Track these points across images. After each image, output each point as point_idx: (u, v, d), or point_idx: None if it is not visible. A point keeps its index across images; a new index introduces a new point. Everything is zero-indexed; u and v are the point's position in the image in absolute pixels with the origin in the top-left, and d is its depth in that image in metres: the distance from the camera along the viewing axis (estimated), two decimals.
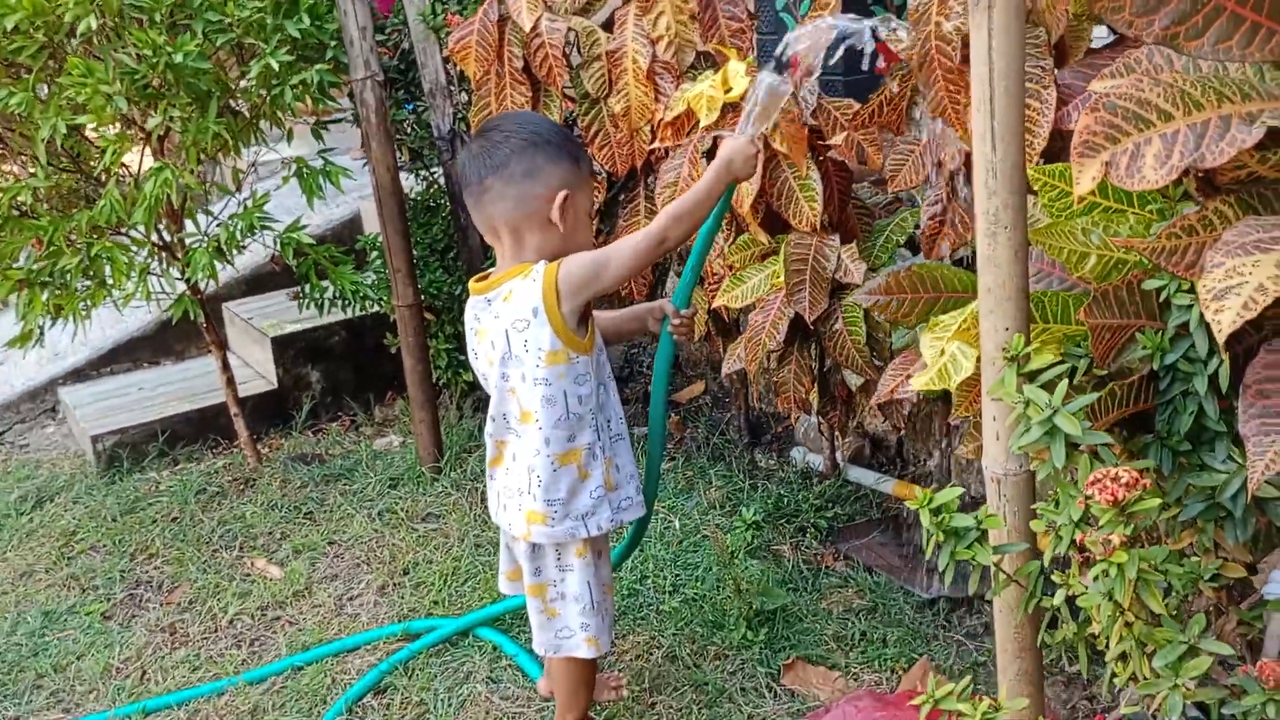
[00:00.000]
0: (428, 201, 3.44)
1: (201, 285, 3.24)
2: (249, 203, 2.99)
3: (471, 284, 2.01)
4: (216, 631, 2.75)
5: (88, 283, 3.03)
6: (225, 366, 3.43)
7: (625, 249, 1.93)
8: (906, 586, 2.54)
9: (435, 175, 3.48)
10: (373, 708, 2.37)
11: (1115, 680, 1.39)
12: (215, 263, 3.02)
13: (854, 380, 2.47)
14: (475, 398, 3.76)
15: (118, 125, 2.67)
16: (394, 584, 2.84)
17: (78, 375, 4.36)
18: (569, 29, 2.85)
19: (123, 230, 3.01)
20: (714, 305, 2.60)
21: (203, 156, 2.90)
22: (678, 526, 2.91)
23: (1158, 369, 1.40)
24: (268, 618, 2.78)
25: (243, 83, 2.87)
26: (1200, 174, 1.40)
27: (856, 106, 2.44)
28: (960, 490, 1.42)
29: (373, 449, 3.61)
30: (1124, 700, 2.07)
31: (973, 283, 1.81)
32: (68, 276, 2.87)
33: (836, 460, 3.19)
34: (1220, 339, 1.21)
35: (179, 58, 2.57)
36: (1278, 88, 1.30)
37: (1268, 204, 1.34)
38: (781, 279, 2.42)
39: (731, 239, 2.60)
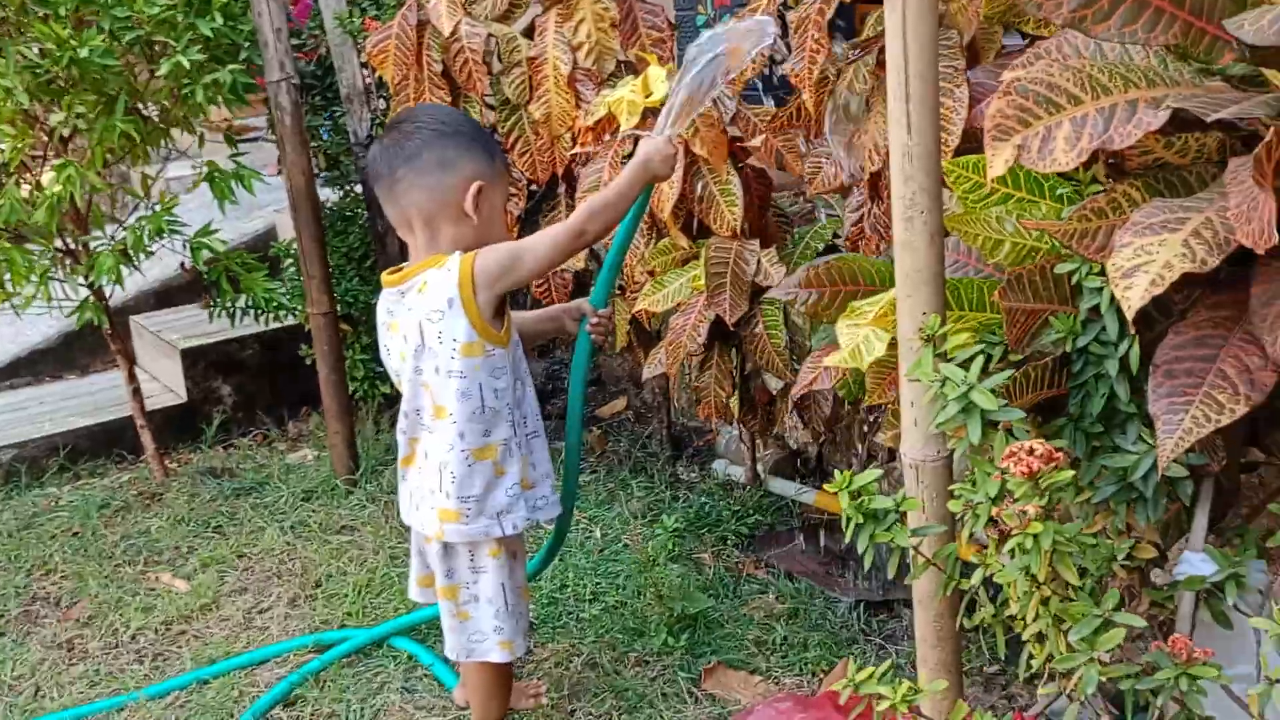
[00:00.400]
0: (344, 211, 3.39)
1: (107, 291, 3.14)
2: (157, 207, 2.91)
3: (384, 277, 1.97)
4: (117, 647, 2.64)
5: None
6: (131, 377, 3.33)
7: (543, 240, 1.92)
8: (827, 592, 2.54)
9: (352, 184, 3.42)
10: (281, 718, 2.29)
11: (1033, 662, 1.40)
12: (122, 268, 2.93)
13: (774, 384, 2.47)
14: (392, 413, 3.70)
15: (18, 122, 2.58)
16: (306, 596, 2.76)
17: None
18: (489, 35, 2.84)
19: (23, 234, 2.90)
20: (635, 310, 2.59)
21: (109, 159, 2.81)
22: (598, 535, 2.88)
23: (1070, 351, 1.42)
24: (172, 632, 2.68)
25: (153, 83, 2.80)
26: (1109, 160, 1.43)
27: (774, 112, 2.46)
28: (879, 472, 1.42)
29: (286, 463, 3.52)
30: (1041, 701, 2.09)
31: (891, 273, 1.83)
32: None
33: (758, 471, 3.19)
34: (1129, 314, 1.23)
35: (84, 53, 2.50)
36: (1180, 75, 1.34)
37: (1174, 189, 1.37)
38: (702, 282, 2.42)
39: (652, 243, 2.60)
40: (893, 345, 1.74)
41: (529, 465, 1.99)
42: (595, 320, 2.09)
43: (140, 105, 2.94)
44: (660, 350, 2.59)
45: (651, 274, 2.55)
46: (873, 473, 1.41)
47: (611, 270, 2.08)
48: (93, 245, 3.01)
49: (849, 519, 1.43)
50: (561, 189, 2.95)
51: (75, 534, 3.19)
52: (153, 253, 3.08)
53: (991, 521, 1.31)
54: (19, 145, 2.58)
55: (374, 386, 3.48)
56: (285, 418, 3.91)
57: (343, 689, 2.35)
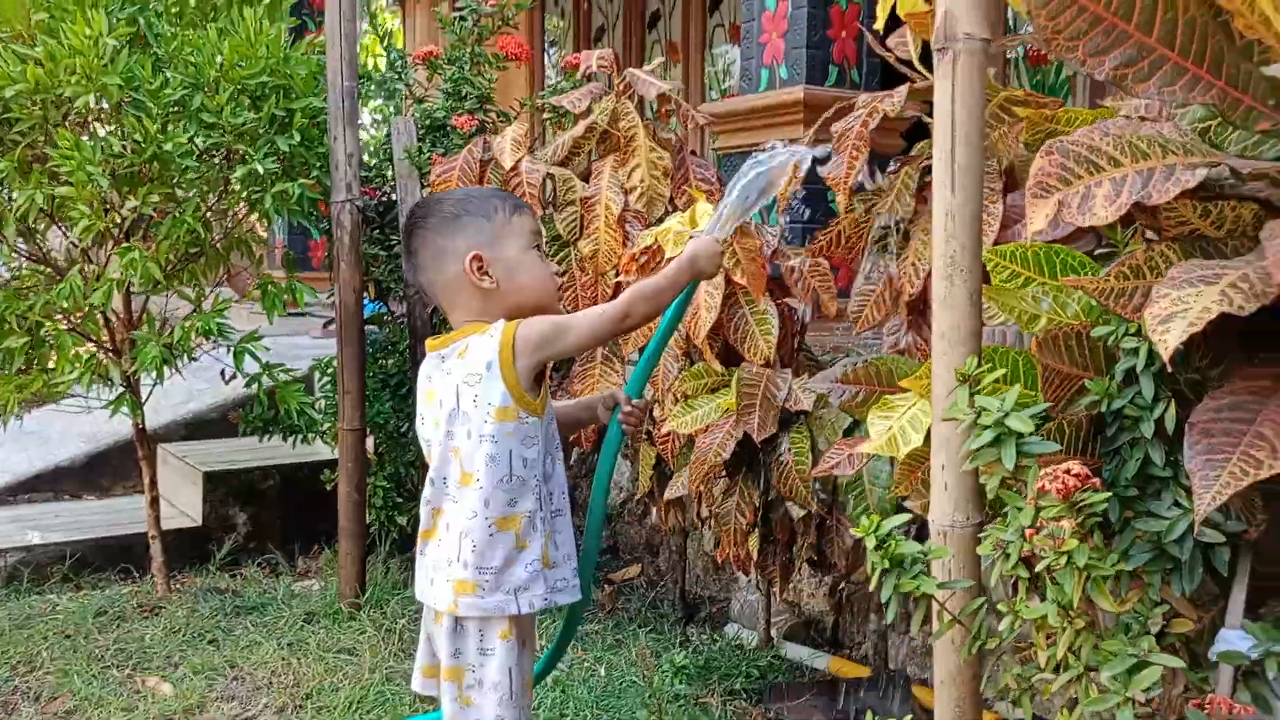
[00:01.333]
0: (389, 340, 3.47)
1: (144, 394, 3.18)
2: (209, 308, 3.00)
3: (428, 342, 2.01)
4: None
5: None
6: (152, 485, 3.32)
7: (587, 319, 1.94)
8: None
9: (399, 316, 3.52)
10: None
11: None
12: (164, 367, 2.98)
13: (797, 512, 2.44)
14: (404, 557, 3.65)
15: (96, 204, 2.71)
16: (295, 707, 2.65)
17: None
18: (547, 175, 2.99)
19: (75, 322, 2.99)
20: (664, 432, 2.60)
21: (171, 258, 2.92)
22: (602, 673, 2.78)
23: (1105, 414, 1.42)
24: None
25: (227, 188, 2.95)
26: (1147, 229, 1.48)
27: (803, 254, 2.56)
28: (908, 516, 1.39)
29: (291, 590, 3.46)
30: None
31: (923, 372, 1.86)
32: (11, 356, 2.82)
33: (771, 635, 3.10)
34: (1166, 353, 1.24)
35: (169, 147, 2.65)
36: (1212, 147, 1.40)
37: (1207, 254, 1.40)
38: (731, 403, 2.44)
39: (685, 367, 2.63)
40: (928, 438, 1.75)
41: (552, 543, 1.94)
42: (629, 409, 2.08)
43: (208, 218, 3.08)
44: (684, 473, 2.58)
45: (684, 396, 2.58)
46: (902, 516, 1.38)
47: (649, 361, 2.10)
48: (137, 340, 3.08)
49: (874, 566, 1.39)
50: None
51: (67, 636, 3.11)
52: (196, 358, 3.14)
53: (1022, 562, 1.28)
54: (93, 225, 2.69)
55: (391, 518, 3.45)
56: (296, 552, 3.86)
57: None
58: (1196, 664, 1.42)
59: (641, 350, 2.86)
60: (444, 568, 1.93)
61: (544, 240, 2.06)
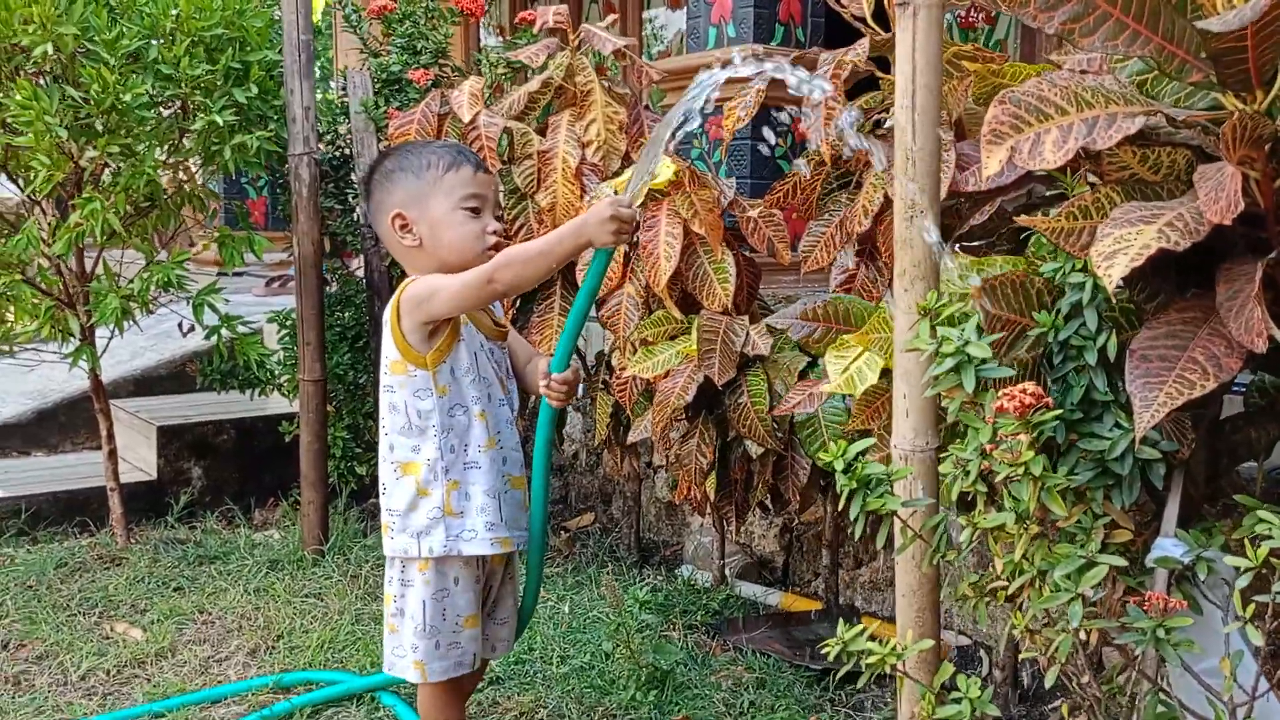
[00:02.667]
0: (344, 293, 3.51)
1: (99, 345, 3.19)
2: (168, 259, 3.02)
3: None
4: (66, 685, 2.58)
5: None
6: (110, 438, 3.34)
7: (454, 284, 1.91)
8: (795, 663, 2.55)
9: (354, 269, 3.56)
10: None
11: (1014, 631, 1.46)
12: (122, 320, 3.00)
13: (755, 450, 2.55)
14: (362, 507, 3.71)
15: (55, 155, 2.70)
16: (267, 648, 2.71)
17: None
18: (505, 128, 3.04)
19: (30, 275, 2.98)
20: (626, 375, 2.69)
21: (129, 210, 2.93)
22: (566, 611, 2.88)
23: (1051, 344, 1.54)
24: (124, 675, 2.62)
25: (183, 141, 2.96)
26: (1089, 174, 1.60)
27: (761, 206, 2.65)
28: (873, 440, 1.50)
29: (252, 540, 3.50)
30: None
31: (872, 313, 1.97)
32: None
33: (725, 574, 3.22)
34: (1110, 287, 1.37)
35: (128, 98, 2.66)
36: (1150, 98, 1.52)
37: (1146, 197, 1.53)
38: (691, 349, 2.54)
39: (644, 316, 2.72)
40: (883, 375, 1.86)
41: (459, 493, 1.96)
42: (547, 384, 2.01)
43: (164, 168, 3.09)
44: (645, 417, 2.68)
45: (645, 343, 2.67)
46: (867, 440, 1.49)
47: (569, 337, 2.02)
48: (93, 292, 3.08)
49: (843, 488, 1.50)
50: (558, 277, 3.10)
51: (29, 587, 3.13)
52: (153, 310, 3.15)
53: (980, 478, 1.40)
54: (53, 174, 2.69)
55: (351, 470, 3.50)
56: (252, 505, 3.89)
57: None
58: (1133, 572, 1.56)
59: (599, 305, 2.94)
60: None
61: (491, 197, 2.03)
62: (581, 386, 3.05)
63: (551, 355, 2.12)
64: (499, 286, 1.90)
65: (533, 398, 2.67)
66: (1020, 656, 1.43)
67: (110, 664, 2.64)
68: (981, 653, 2.56)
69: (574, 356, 2.16)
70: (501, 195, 3.13)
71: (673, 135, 1.87)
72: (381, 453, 2.00)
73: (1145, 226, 1.41)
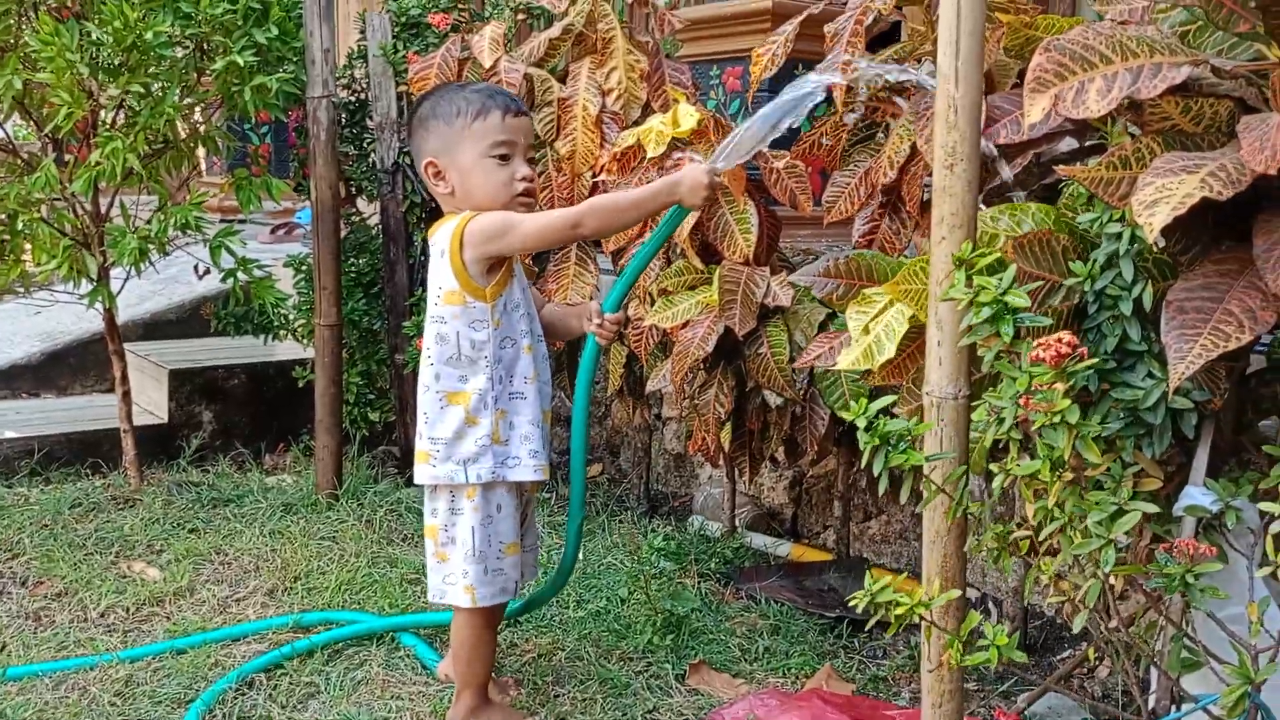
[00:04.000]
0: (358, 239, 3.50)
1: (115, 287, 3.19)
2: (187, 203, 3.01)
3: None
4: (86, 621, 2.60)
5: None
6: (124, 379, 3.34)
7: (537, 221, 1.99)
8: (810, 611, 2.58)
9: (368, 216, 3.55)
10: (261, 684, 2.26)
11: (1041, 577, 1.48)
12: (140, 260, 2.99)
13: (774, 401, 2.57)
14: (374, 453, 3.73)
15: (75, 91, 2.68)
16: (285, 588, 2.74)
17: None
18: (526, 74, 3.03)
19: (49, 214, 2.98)
20: (646, 324, 2.70)
21: (148, 150, 2.92)
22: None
23: (1087, 294, 1.55)
24: (143, 612, 2.64)
25: (200, 84, 2.94)
26: (1130, 124, 1.60)
27: (786, 158, 2.65)
28: (894, 397, 1.52)
29: (265, 483, 3.52)
30: (1022, 700, 2.14)
31: (897, 269, 1.98)
32: None
33: (735, 525, 3.25)
34: (1151, 236, 1.38)
35: (149, 36, 2.64)
36: (1193, 49, 1.52)
37: (1186, 148, 1.53)
38: (712, 299, 2.54)
39: (664, 266, 2.73)
40: (901, 346, 1.87)
41: (505, 422, 2.03)
42: (598, 321, 2.13)
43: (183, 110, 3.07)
44: (663, 367, 2.69)
45: (664, 292, 2.68)
46: (888, 398, 1.51)
47: (626, 281, 2.15)
48: (109, 236, 3.07)
49: (865, 444, 1.51)
50: None
51: (45, 526, 3.14)
52: (168, 253, 3.15)
53: (1015, 425, 1.41)
54: (73, 112, 2.68)
55: (364, 415, 3.52)
56: (262, 450, 3.91)
57: (324, 662, 2.34)
58: (1161, 520, 1.58)
59: (614, 256, 2.94)
60: (418, 438, 2.05)
61: (522, 142, 2.04)
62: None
63: (566, 304, 2.22)
64: (584, 231, 2.01)
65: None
66: (1047, 601, 1.45)
67: (129, 602, 2.67)
68: (990, 605, 2.60)
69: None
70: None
71: (775, 126, 1.94)
72: (424, 381, 2.02)
73: (1188, 176, 1.41)
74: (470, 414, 2.00)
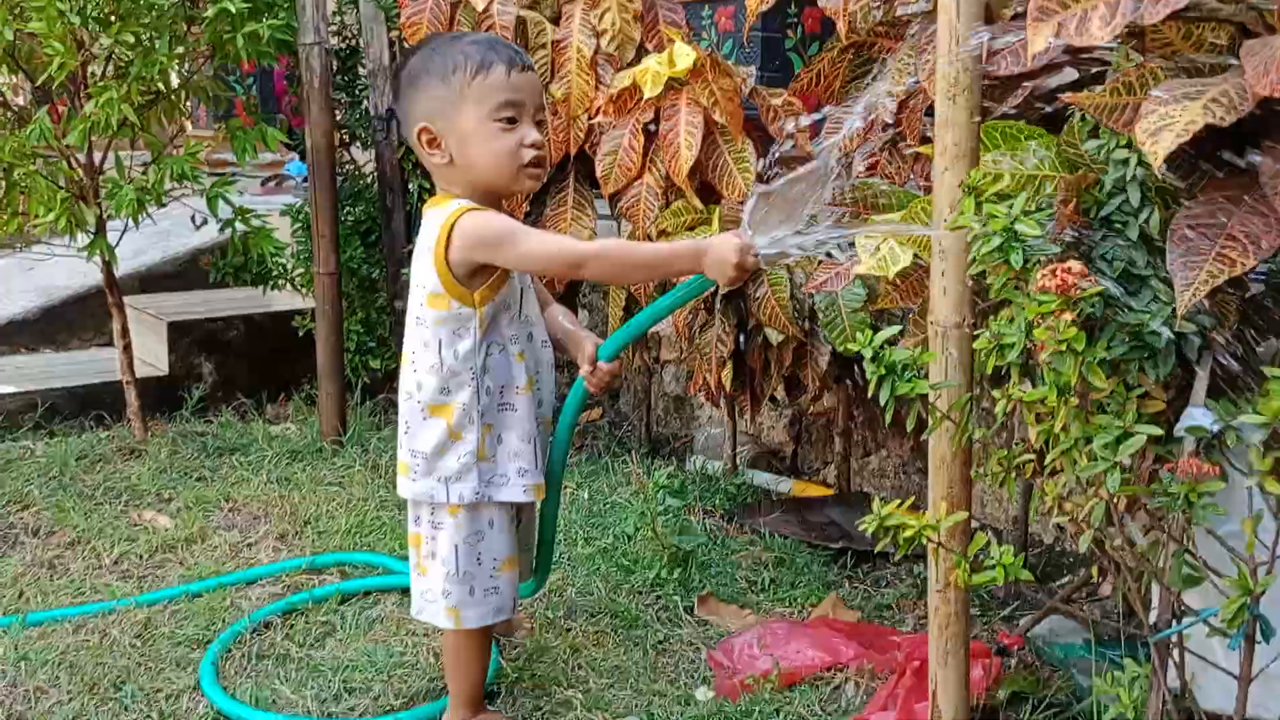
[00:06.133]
0: (354, 188, 3.50)
1: (112, 239, 3.19)
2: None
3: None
4: (100, 568, 2.64)
5: None
6: (125, 332, 3.35)
7: (539, 245, 1.79)
8: (814, 543, 2.63)
9: (363, 164, 3.54)
10: (277, 624, 2.31)
11: (1045, 499, 1.52)
12: (138, 212, 2.99)
13: (775, 338, 2.59)
14: (376, 401, 3.76)
15: (68, 42, 2.67)
16: (295, 533, 2.78)
17: None
18: (519, 16, 3.01)
19: (44, 166, 2.97)
20: None
21: (140, 100, 2.90)
22: (586, 497, 2.95)
23: (1093, 220, 1.57)
24: (157, 559, 2.68)
25: (190, 32, 2.92)
26: (1130, 54, 1.61)
27: (784, 95, 2.65)
28: (899, 328, 1.55)
29: (269, 432, 3.55)
30: (1024, 624, 2.19)
31: (906, 199, 1.99)
32: None
33: (736, 463, 3.29)
34: (1156, 162, 1.39)
35: None
36: None
37: (1188, 74, 1.54)
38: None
39: (663, 206, 2.74)
40: (915, 257, 1.89)
41: (493, 438, 1.83)
42: (591, 370, 1.89)
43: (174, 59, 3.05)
44: None
45: (663, 234, 2.69)
46: (892, 329, 1.53)
47: (630, 332, 1.94)
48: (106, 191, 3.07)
49: (872, 374, 1.54)
50: (572, 169, 3.10)
51: (53, 478, 3.17)
52: (164, 205, 3.14)
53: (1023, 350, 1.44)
54: (66, 62, 2.66)
55: (365, 363, 3.54)
56: (264, 400, 3.93)
57: (339, 601, 2.38)
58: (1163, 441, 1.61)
59: (611, 199, 2.94)
60: (398, 447, 1.91)
61: (530, 101, 1.80)
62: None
63: (568, 319, 1.99)
64: (585, 274, 1.85)
65: None
66: (1052, 521, 1.49)
67: (142, 549, 2.70)
68: (990, 534, 2.65)
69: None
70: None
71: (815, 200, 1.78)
72: (404, 387, 1.84)
73: (1190, 103, 1.43)
74: (453, 429, 1.79)
